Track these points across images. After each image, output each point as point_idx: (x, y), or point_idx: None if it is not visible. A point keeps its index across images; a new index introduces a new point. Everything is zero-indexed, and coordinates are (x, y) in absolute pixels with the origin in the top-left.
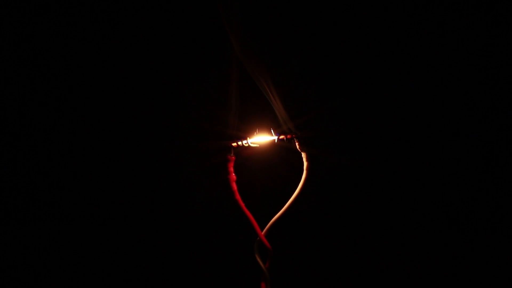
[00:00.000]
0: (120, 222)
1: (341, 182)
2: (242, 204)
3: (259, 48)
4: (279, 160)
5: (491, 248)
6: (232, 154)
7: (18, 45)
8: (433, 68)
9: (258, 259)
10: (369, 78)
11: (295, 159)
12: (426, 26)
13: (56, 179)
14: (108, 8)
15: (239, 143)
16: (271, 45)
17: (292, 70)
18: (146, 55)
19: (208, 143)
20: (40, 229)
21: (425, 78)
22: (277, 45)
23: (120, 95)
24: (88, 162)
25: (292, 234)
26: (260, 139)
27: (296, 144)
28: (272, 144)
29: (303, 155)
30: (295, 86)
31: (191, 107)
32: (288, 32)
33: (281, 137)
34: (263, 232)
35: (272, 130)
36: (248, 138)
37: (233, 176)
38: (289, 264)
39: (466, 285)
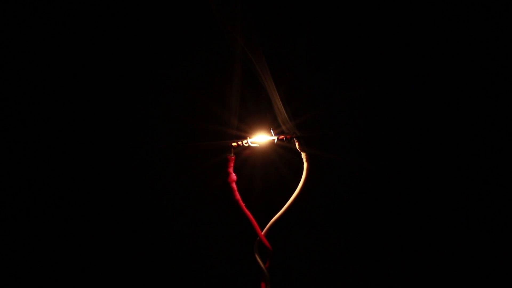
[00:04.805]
0: (119, 223)
1: (341, 182)
2: (242, 204)
3: (260, 47)
4: (279, 160)
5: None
6: (232, 154)
7: None
8: (433, 67)
9: (258, 259)
10: (368, 78)
11: (295, 159)
12: (427, 25)
13: (46, 182)
14: (104, 6)
15: (239, 143)
16: (272, 44)
17: (293, 69)
18: (145, 54)
19: (208, 143)
20: (34, 232)
21: (425, 78)
22: (278, 44)
23: (120, 95)
24: (89, 162)
25: (292, 234)
26: (260, 139)
27: (296, 144)
28: (272, 144)
29: (303, 155)
30: (295, 86)
31: (191, 107)
32: (289, 31)
33: (281, 137)
34: (263, 232)
35: (271, 130)
36: (248, 138)
37: (233, 176)
38: (289, 264)
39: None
